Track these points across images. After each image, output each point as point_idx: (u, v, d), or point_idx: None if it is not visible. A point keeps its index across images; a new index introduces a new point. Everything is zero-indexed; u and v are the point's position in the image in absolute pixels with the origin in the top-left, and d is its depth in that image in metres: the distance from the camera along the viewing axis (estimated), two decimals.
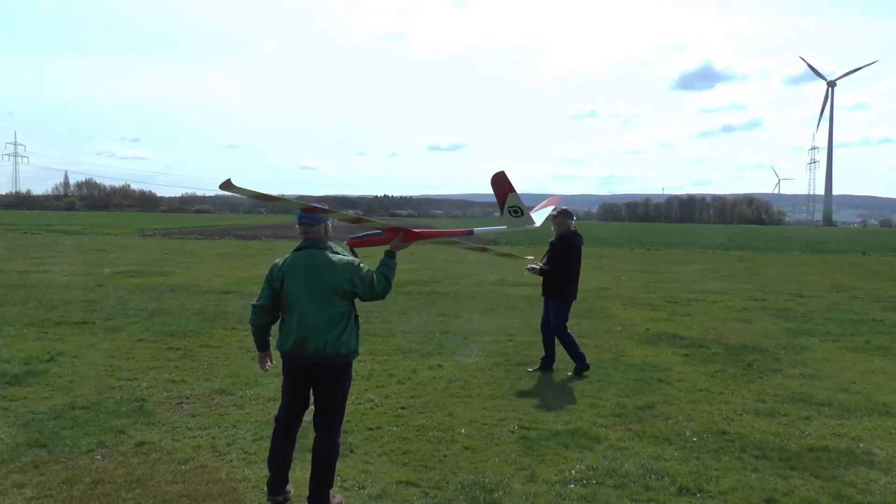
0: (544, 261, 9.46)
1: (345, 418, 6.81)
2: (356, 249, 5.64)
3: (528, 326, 12.66)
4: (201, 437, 6.46)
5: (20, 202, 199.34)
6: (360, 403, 7.58)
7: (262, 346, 5.32)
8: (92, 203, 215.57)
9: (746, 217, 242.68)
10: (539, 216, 6.01)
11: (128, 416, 6.99)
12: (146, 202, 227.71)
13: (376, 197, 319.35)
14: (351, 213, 5.53)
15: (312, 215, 4.95)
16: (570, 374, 9.27)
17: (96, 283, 18.16)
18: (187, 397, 7.72)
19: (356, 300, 5.08)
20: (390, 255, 5.21)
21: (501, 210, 5.24)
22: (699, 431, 6.86)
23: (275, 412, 5.43)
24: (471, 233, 5.72)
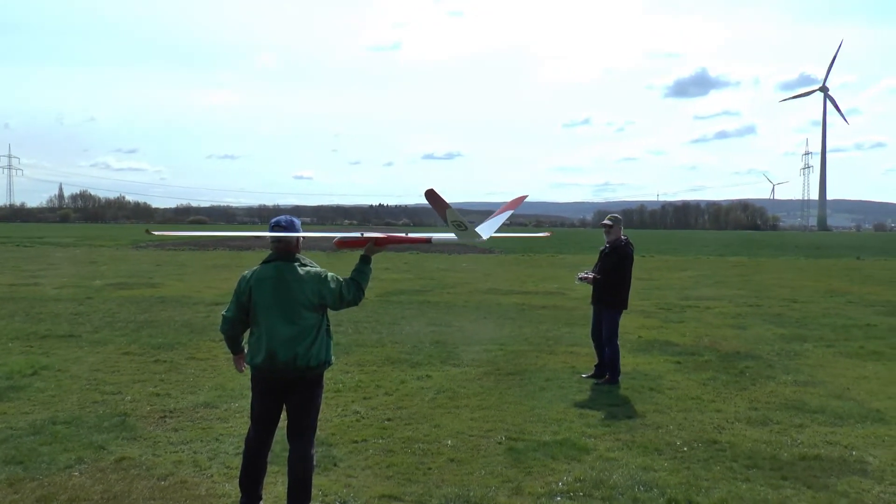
0: (595, 269, 9.37)
1: (330, 431, 6.79)
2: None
3: (520, 335, 12.58)
4: (183, 452, 6.33)
5: (14, 215, 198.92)
6: (345, 416, 7.47)
7: (236, 349, 5.30)
8: (86, 215, 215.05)
9: (741, 223, 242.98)
10: (488, 227, 5.95)
11: (109, 431, 6.86)
12: (140, 214, 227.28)
13: (372, 206, 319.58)
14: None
15: (287, 225, 4.92)
16: (584, 375, 9.26)
17: (86, 295, 18.02)
18: (171, 411, 7.59)
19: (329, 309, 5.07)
20: (365, 261, 5.22)
21: (446, 223, 5.23)
22: (690, 441, 6.75)
23: None
24: (429, 240, 5.74)
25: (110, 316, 14.35)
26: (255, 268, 5.05)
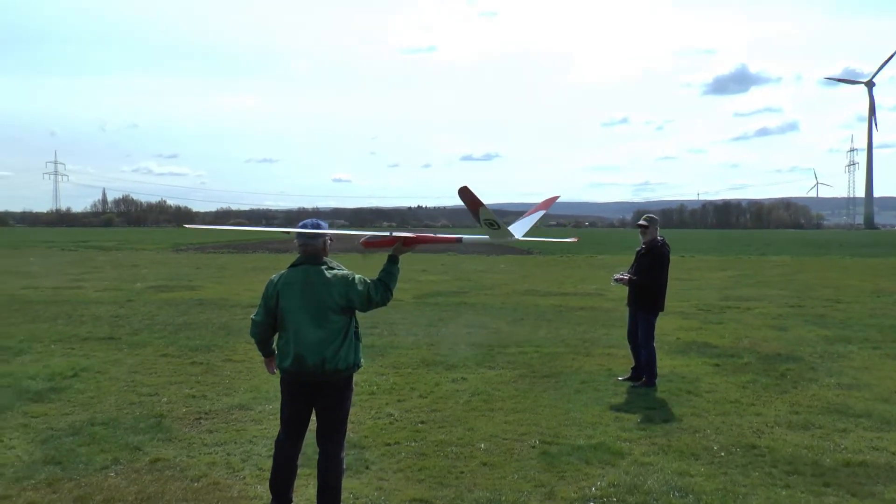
0: (631, 270, 9.26)
1: (363, 433, 6.79)
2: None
3: (556, 337, 12.48)
4: (216, 454, 6.38)
5: (60, 219, 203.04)
6: (379, 418, 7.46)
7: (266, 352, 5.30)
8: (129, 219, 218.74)
9: (784, 221, 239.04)
10: (521, 227, 6.03)
11: (145, 433, 6.94)
12: (181, 217, 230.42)
13: (410, 208, 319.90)
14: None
15: (313, 230, 4.94)
16: (620, 378, 9.17)
17: (126, 298, 18.29)
18: (206, 413, 7.65)
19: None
20: (393, 261, 5.19)
21: (479, 222, 5.26)
22: (728, 445, 6.61)
23: None
24: (459, 240, 5.80)
25: (149, 318, 14.53)
26: (282, 272, 5.06)
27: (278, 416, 5.29)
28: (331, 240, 5.09)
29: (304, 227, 4.97)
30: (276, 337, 5.19)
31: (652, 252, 9.06)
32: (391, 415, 7.58)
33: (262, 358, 5.37)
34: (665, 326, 13.03)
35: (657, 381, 8.91)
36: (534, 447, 6.56)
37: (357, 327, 5.12)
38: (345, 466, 5.12)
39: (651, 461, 6.19)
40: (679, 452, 6.42)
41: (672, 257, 9.36)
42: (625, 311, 9.61)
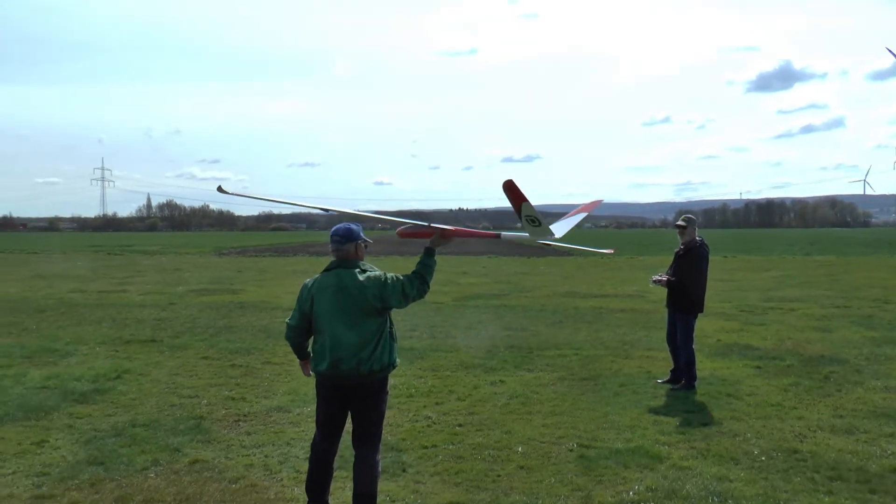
0: (670, 272, 9.18)
1: (400, 436, 6.80)
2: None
3: (596, 339, 12.39)
4: (255, 456, 6.43)
5: (107, 224, 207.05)
6: (417, 421, 7.46)
7: (302, 355, 5.30)
8: (173, 223, 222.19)
9: (829, 220, 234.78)
10: (562, 227, 5.97)
11: (185, 434, 7.03)
12: (224, 222, 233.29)
13: (451, 210, 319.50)
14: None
15: (344, 234, 4.94)
16: (659, 381, 9.10)
17: (169, 301, 18.57)
18: (245, 415, 7.72)
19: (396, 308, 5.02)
20: (429, 253, 5.10)
21: (520, 218, 5.21)
22: (768, 450, 6.48)
23: None
24: (498, 236, 5.88)
25: (191, 321, 14.74)
26: (316, 276, 5.06)
27: (316, 418, 5.31)
28: (366, 245, 5.07)
29: (336, 232, 4.96)
30: (311, 340, 5.19)
31: (690, 253, 8.95)
32: (429, 417, 7.58)
33: (298, 361, 5.38)
34: (706, 328, 12.87)
35: (697, 383, 8.79)
36: (571, 451, 6.51)
37: (392, 327, 5.09)
38: (381, 469, 5.09)
39: (690, 465, 6.10)
40: (718, 457, 6.31)
41: (714, 258, 9.24)
42: (665, 313, 9.50)
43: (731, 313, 15.77)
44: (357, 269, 4.92)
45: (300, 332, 5.14)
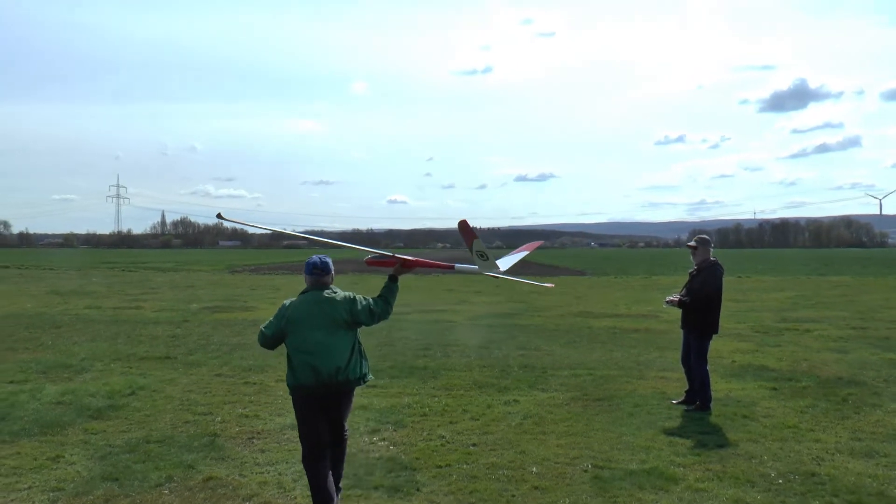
0: (683, 292, 9.13)
1: (414, 455, 6.84)
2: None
3: (609, 360, 12.34)
4: (268, 473, 6.43)
5: (121, 241, 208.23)
6: (430, 440, 7.44)
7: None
8: (187, 240, 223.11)
9: (845, 240, 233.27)
10: (506, 262, 6.73)
11: (199, 451, 7.04)
12: (238, 239, 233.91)
13: None
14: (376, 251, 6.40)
15: (323, 268, 5.57)
16: (674, 402, 9.04)
17: (183, 318, 18.64)
18: (259, 432, 7.73)
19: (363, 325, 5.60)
20: (393, 279, 5.83)
21: (471, 253, 5.92)
22: (785, 473, 6.42)
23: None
24: (452, 267, 6.41)
25: (204, 339, 14.78)
26: (293, 298, 5.60)
27: (301, 438, 5.49)
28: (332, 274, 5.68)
29: (316, 266, 5.56)
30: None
31: (703, 273, 8.91)
32: (443, 437, 7.56)
33: None
34: (720, 349, 12.80)
35: (712, 404, 8.73)
36: (586, 471, 6.48)
37: (361, 346, 5.61)
38: (346, 449, 5.82)
39: (705, 487, 6.05)
40: (734, 479, 6.26)
41: (728, 278, 9.20)
42: (679, 334, 9.46)
43: (745, 334, 15.68)
44: (329, 290, 5.54)
45: (272, 341, 5.62)
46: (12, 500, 5.82)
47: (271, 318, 5.61)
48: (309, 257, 5.68)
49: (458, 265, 6.45)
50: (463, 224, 5.61)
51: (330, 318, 5.38)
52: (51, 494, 5.91)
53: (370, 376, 5.66)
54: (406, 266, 5.99)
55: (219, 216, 5.65)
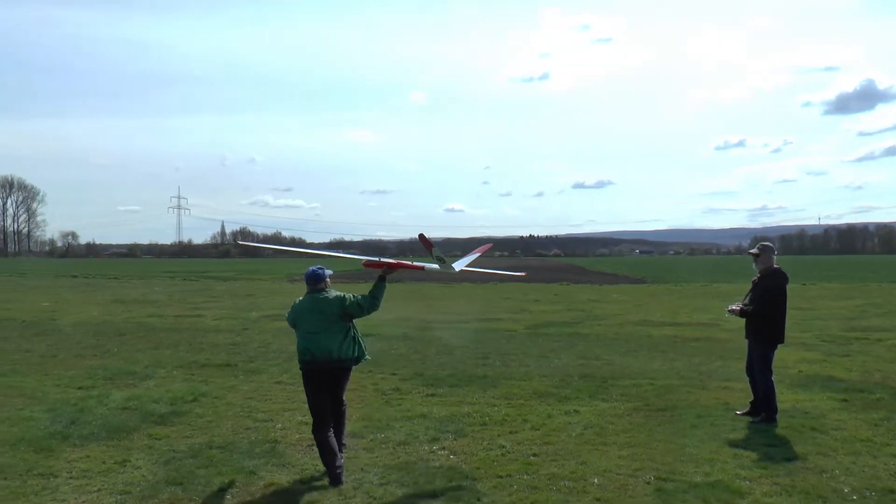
0: (746, 301, 8.93)
1: (474, 465, 6.88)
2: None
3: (671, 369, 12.12)
4: (328, 481, 6.44)
5: (182, 251, 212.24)
6: (491, 450, 7.38)
7: None
8: (246, 250, 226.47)
9: None
10: (461, 263, 8.16)
11: (260, 457, 7.11)
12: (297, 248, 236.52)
13: (522, 237, 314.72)
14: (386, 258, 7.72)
15: (314, 278, 6.93)
16: (739, 412, 8.84)
17: (243, 326, 18.91)
18: None
19: (356, 318, 6.97)
20: (382, 279, 7.14)
21: (433, 257, 7.36)
22: (860, 489, 6.18)
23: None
24: (422, 268, 7.82)
25: (264, 346, 14.95)
26: (300, 298, 7.03)
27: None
28: (329, 278, 7.06)
29: (311, 276, 6.95)
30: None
31: (766, 281, 8.69)
32: (503, 446, 7.50)
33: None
34: (786, 358, 12.46)
35: (777, 416, 8.49)
36: (648, 483, 6.35)
37: (356, 331, 6.97)
38: (347, 416, 7.29)
39: (774, 502, 5.87)
40: (804, 494, 6.05)
41: (792, 285, 8.95)
42: (742, 342, 9.23)
43: (811, 343, 15.26)
44: (323, 293, 6.91)
45: (292, 326, 7.03)
46: (83, 502, 5.99)
47: (288, 310, 7.08)
48: (307, 269, 7.10)
49: (427, 265, 7.76)
50: (421, 237, 7.03)
51: (322, 313, 6.74)
52: (118, 497, 6.04)
53: (366, 358, 7.00)
54: (391, 268, 7.32)
55: (236, 243, 6.99)
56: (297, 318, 6.91)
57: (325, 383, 6.76)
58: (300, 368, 6.84)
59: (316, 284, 6.95)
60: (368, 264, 7.66)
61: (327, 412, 6.73)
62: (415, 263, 7.80)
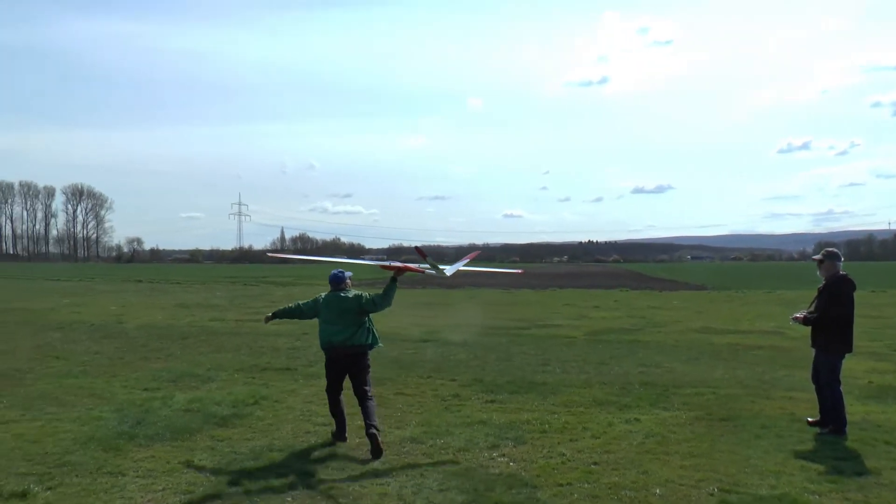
0: (811, 308, 8.70)
1: (534, 472, 6.80)
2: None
3: (733, 378, 11.88)
4: (388, 485, 6.48)
5: (243, 256, 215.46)
6: (551, 457, 7.32)
7: (278, 317, 8.62)
8: (305, 255, 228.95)
9: None
10: (451, 269, 8.99)
11: (320, 461, 7.19)
12: (355, 254, 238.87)
13: (581, 243, 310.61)
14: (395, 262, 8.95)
15: (337, 280, 8.26)
16: (809, 419, 8.64)
17: (302, 331, 19.05)
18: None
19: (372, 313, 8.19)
20: (393, 280, 8.19)
21: (428, 264, 8.54)
22: None
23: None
24: (423, 272, 8.93)
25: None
26: (324, 293, 8.35)
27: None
28: (350, 280, 8.36)
29: (334, 278, 8.26)
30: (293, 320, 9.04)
31: (832, 288, 8.43)
32: (563, 454, 7.43)
33: (271, 316, 8.61)
34: (855, 368, 12.09)
35: (847, 428, 8.23)
36: (712, 495, 6.22)
37: (371, 323, 8.19)
38: (374, 403, 8.05)
39: None
40: None
41: (860, 292, 8.67)
42: (808, 351, 8.97)
43: (882, 353, 14.78)
44: (344, 291, 8.21)
45: (299, 313, 8.42)
46: (149, 501, 6.12)
47: (308, 301, 8.39)
48: (331, 272, 8.33)
49: (427, 270, 8.79)
50: (417, 249, 8.83)
51: (340, 308, 8.01)
52: (182, 497, 6.16)
53: (379, 344, 8.21)
54: (400, 271, 8.38)
55: (268, 256, 7.90)
56: (319, 310, 8.17)
57: (343, 367, 8.09)
58: (325, 353, 8.19)
59: (338, 285, 8.27)
60: (384, 266, 8.96)
61: (340, 388, 8.21)
62: (419, 266, 8.82)
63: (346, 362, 8.03)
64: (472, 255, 11.17)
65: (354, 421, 8.03)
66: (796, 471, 6.87)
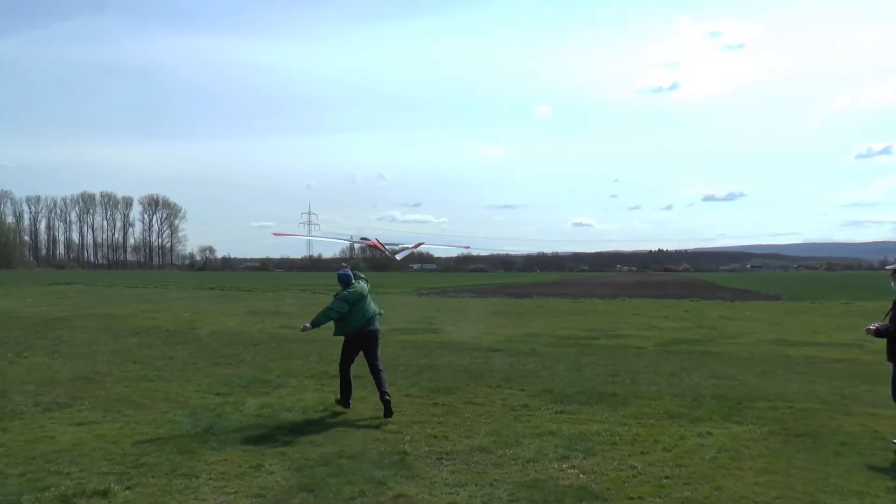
0: (886, 319, 8.37)
1: (604, 485, 6.76)
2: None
3: (810, 392, 11.51)
4: (458, 495, 6.46)
5: (313, 265, 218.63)
6: (621, 470, 7.21)
7: (317, 325, 10.03)
8: (374, 264, 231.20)
9: None
10: (400, 255, 11.93)
11: (389, 468, 7.20)
12: (424, 262, 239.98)
13: (651, 252, 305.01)
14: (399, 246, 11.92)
15: (349, 276, 10.05)
16: (895, 440, 8.27)
17: None
18: (447, 453, 7.79)
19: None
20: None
21: (387, 254, 11.48)
22: None
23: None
24: (385, 253, 11.71)
25: (393, 359, 15.12)
26: (346, 291, 9.83)
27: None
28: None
29: (342, 278, 10.04)
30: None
31: None
32: (634, 467, 7.30)
33: (311, 325, 10.00)
34: None
35: None
36: None
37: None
38: (385, 375, 9.88)
39: None
40: None
41: None
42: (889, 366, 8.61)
43: None
44: (360, 282, 10.08)
45: (341, 315, 9.78)
46: (221, 503, 6.22)
47: (338, 302, 9.72)
48: (339, 271, 10.14)
49: (388, 248, 11.45)
50: (373, 244, 11.54)
51: (365, 295, 9.84)
52: (254, 500, 6.28)
53: (380, 312, 10.16)
54: (375, 247, 11.48)
55: (273, 234, 9.60)
56: (356, 299, 9.72)
57: (367, 344, 9.90)
58: (345, 337, 9.87)
59: (350, 281, 9.95)
60: (368, 243, 11.65)
61: (352, 363, 9.98)
62: (383, 248, 11.59)
63: (371, 338, 9.87)
64: (418, 244, 13.01)
65: (424, 429, 8.02)
66: (882, 492, 6.59)
